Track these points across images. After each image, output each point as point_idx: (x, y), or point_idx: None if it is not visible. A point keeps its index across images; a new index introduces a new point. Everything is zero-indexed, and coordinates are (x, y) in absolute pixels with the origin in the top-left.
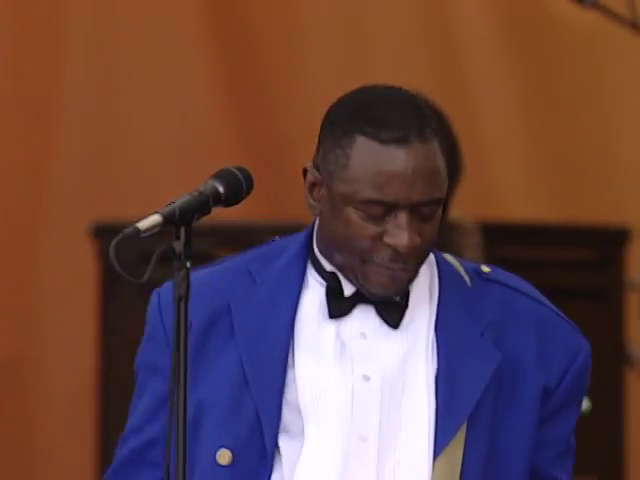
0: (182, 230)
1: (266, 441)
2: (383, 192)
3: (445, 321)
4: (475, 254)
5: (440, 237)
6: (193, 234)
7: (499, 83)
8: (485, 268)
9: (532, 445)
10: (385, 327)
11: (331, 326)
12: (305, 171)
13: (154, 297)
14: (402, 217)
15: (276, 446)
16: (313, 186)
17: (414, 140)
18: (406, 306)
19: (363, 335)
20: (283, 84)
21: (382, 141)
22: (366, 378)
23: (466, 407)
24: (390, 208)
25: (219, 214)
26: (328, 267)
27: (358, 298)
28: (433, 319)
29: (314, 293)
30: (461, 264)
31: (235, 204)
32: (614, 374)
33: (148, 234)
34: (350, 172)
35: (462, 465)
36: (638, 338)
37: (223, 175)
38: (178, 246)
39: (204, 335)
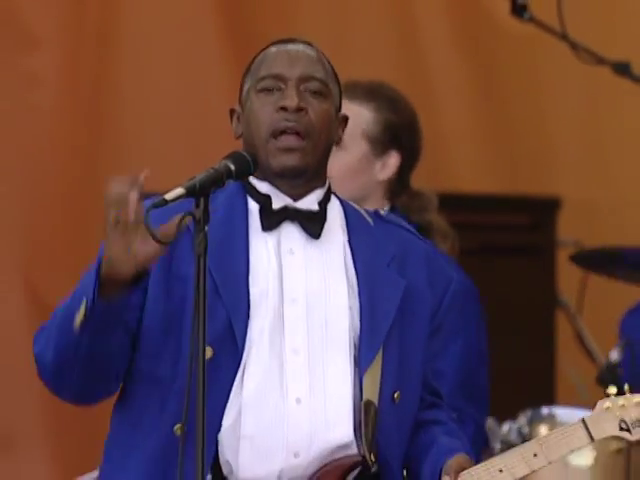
0: (201, 200)
1: (238, 341)
2: (272, 68)
3: (357, 252)
4: (434, 217)
5: (405, 202)
6: None
7: (454, 76)
8: (381, 211)
9: (425, 354)
10: (309, 242)
11: (268, 239)
12: (232, 110)
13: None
14: (290, 86)
15: (244, 346)
16: (233, 113)
17: (301, 43)
18: (324, 219)
19: (291, 251)
20: None
21: (278, 44)
22: (294, 301)
23: (384, 329)
24: (280, 80)
25: None
26: (263, 189)
27: (285, 213)
28: (347, 248)
29: (254, 215)
30: (362, 208)
31: (243, 179)
32: (548, 316)
33: (174, 203)
34: (253, 69)
35: (381, 376)
36: (565, 287)
37: (234, 156)
38: (198, 213)
39: (172, 247)
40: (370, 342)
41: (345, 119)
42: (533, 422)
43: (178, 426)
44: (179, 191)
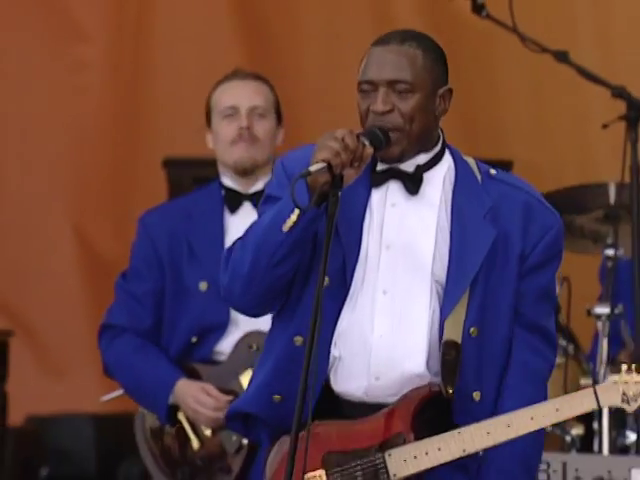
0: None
1: (347, 277)
2: (365, 74)
3: (456, 206)
4: None
5: None
6: None
7: None
8: (492, 171)
9: (514, 295)
10: (409, 197)
11: (376, 194)
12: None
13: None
14: (380, 90)
15: (351, 282)
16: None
17: (393, 43)
18: (421, 179)
19: (393, 204)
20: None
21: (374, 45)
22: (388, 247)
23: (469, 277)
24: (372, 85)
25: None
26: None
27: (389, 173)
28: (448, 202)
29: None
30: (477, 164)
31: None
32: None
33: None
34: (360, 68)
35: (465, 316)
36: None
37: (366, 132)
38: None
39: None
40: (454, 289)
41: (449, 91)
42: None
43: (297, 338)
44: (321, 164)
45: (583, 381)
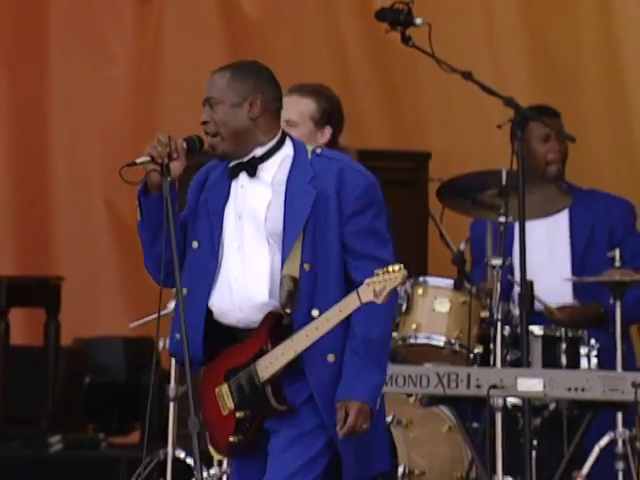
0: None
1: (214, 240)
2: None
3: (291, 179)
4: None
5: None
6: None
7: (369, 73)
8: (318, 150)
9: (340, 237)
10: (251, 179)
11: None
12: None
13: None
14: (204, 108)
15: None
16: None
17: (213, 74)
18: (255, 167)
19: (242, 186)
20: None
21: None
22: (240, 216)
23: (299, 224)
24: (203, 105)
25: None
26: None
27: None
28: (285, 174)
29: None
30: (312, 150)
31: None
32: (423, 223)
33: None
34: None
35: (300, 256)
36: (434, 206)
37: (187, 138)
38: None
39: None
40: (289, 237)
41: (253, 101)
42: (414, 285)
43: (184, 289)
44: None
45: (482, 314)
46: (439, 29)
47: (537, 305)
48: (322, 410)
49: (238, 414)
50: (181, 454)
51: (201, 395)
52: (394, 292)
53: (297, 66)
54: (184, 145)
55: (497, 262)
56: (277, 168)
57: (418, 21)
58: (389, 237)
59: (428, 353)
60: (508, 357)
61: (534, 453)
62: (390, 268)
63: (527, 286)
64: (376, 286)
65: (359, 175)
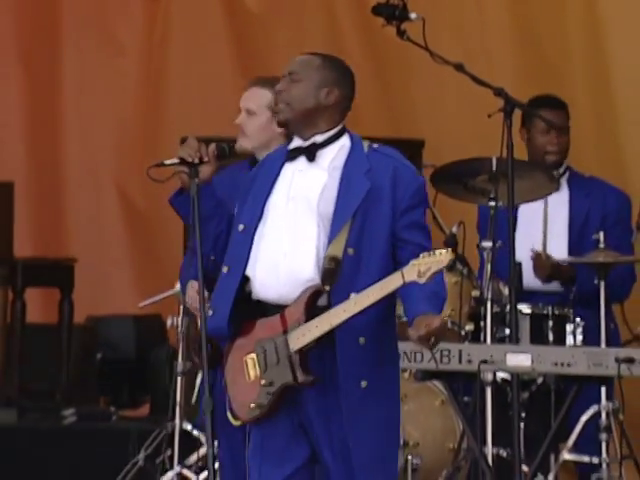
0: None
1: (257, 220)
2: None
3: (347, 168)
4: None
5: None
6: None
7: (361, 69)
8: (375, 145)
9: (390, 228)
10: (308, 163)
11: (287, 166)
12: None
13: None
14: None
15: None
16: None
17: (303, 54)
18: (315, 154)
19: (300, 170)
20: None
21: None
22: (293, 198)
23: (350, 211)
24: (287, 74)
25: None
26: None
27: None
28: (342, 161)
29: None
30: (368, 144)
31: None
32: None
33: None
34: None
35: (346, 240)
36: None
37: (216, 143)
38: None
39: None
40: (338, 221)
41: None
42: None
43: (224, 267)
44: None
45: (474, 293)
46: (433, 23)
47: (526, 284)
48: (341, 391)
49: (263, 381)
50: (188, 426)
51: (228, 363)
52: (441, 275)
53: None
54: (214, 150)
55: (488, 245)
56: (335, 155)
57: (413, 16)
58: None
59: None
60: (497, 334)
61: (522, 425)
62: (437, 251)
63: (516, 267)
64: (421, 267)
65: (412, 174)
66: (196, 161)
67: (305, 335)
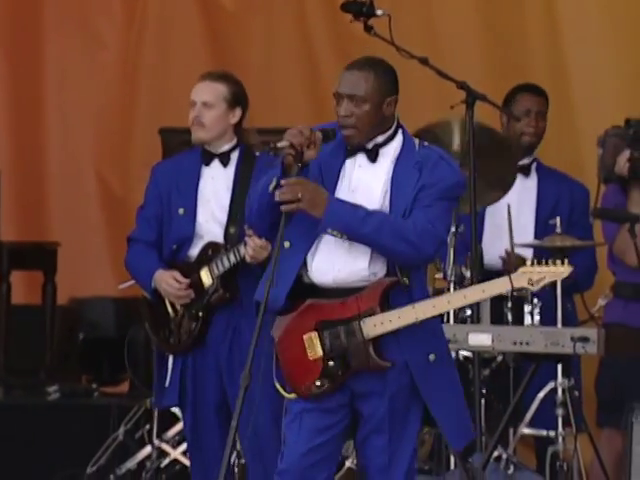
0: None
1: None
2: (336, 88)
3: (400, 162)
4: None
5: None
6: None
7: (335, 67)
8: (425, 143)
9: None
10: (369, 162)
11: (347, 162)
12: None
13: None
14: (342, 100)
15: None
16: None
17: (353, 69)
18: (377, 153)
19: (360, 166)
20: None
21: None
22: (354, 190)
23: (405, 201)
24: (340, 96)
25: None
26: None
27: (353, 150)
28: (397, 157)
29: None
30: (419, 140)
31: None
32: None
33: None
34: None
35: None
36: None
37: (321, 128)
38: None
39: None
40: (395, 212)
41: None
42: None
43: (286, 242)
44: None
45: (437, 275)
46: (398, 19)
47: (486, 265)
48: (414, 368)
49: (330, 362)
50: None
51: (281, 340)
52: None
53: (267, 53)
54: (320, 136)
55: (451, 229)
56: (392, 152)
57: (379, 12)
58: (448, 221)
59: None
60: (460, 315)
61: (483, 400)
62: (557, 261)
63: (477, 250)
64: (533, 275)
65: (449, 168)
66: (305, 149)
67: (384, 324)
